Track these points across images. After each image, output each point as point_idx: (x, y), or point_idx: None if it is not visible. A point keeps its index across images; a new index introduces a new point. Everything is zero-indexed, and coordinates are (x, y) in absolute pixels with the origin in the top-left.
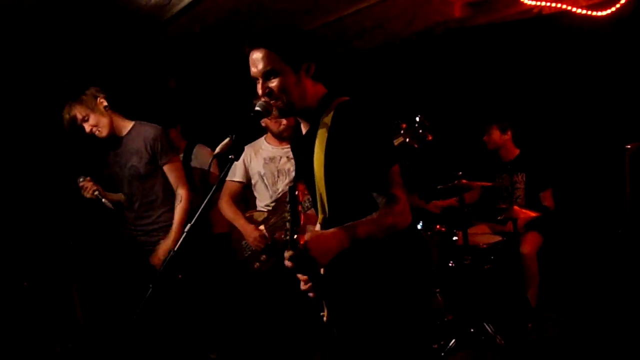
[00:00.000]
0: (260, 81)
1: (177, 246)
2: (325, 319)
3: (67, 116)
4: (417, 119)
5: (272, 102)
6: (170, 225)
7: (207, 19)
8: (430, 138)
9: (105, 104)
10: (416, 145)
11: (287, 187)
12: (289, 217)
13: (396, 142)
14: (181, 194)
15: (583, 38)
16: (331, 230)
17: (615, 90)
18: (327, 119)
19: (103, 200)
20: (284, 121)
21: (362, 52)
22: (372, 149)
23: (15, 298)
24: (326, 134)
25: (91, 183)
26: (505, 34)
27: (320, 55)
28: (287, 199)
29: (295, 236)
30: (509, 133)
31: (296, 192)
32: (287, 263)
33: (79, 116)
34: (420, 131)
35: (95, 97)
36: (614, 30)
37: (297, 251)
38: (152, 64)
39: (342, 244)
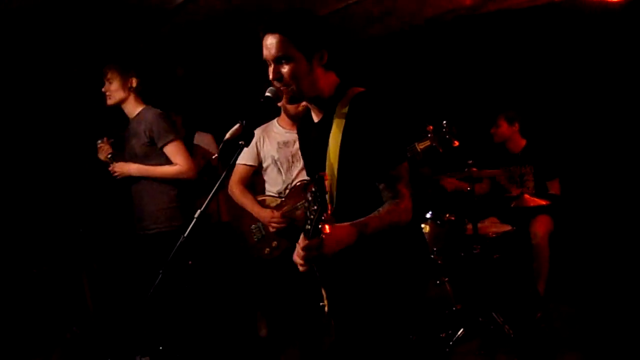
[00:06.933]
0: (272, 65)
1: (187, 232)
2: (326, 309)
3: (105, 69)
4: (445, 123)
5: (282, 87)
6: (161, 216)
7: (213, 8)
8: (456, 144)
9: (134, 85)
10: (441, 150)
11: (301, 175)
12: (306, 205)
13: (423, 145)
14: (178, 163)
15: (597, 25)
16: (345, 224)
17: (630, 78)
18: (344, 109)
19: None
20: (304, 102)
21: (371, 40)
22: (386, 142)
23: (25, 285)
24: (343, 125)
25: (108, 146)
26: (516, 21)
27: (333, 44)
28: (314, 188)
29: (320, 225)
30: (517, 124)
31: (325, 181)
32: (300, 251)
33: (108, 75)
34: (447, 137)
35: (130, 75)
36: (629, 17)
37: (319, 240)
38: (159, 53)
39: (351, 239)
